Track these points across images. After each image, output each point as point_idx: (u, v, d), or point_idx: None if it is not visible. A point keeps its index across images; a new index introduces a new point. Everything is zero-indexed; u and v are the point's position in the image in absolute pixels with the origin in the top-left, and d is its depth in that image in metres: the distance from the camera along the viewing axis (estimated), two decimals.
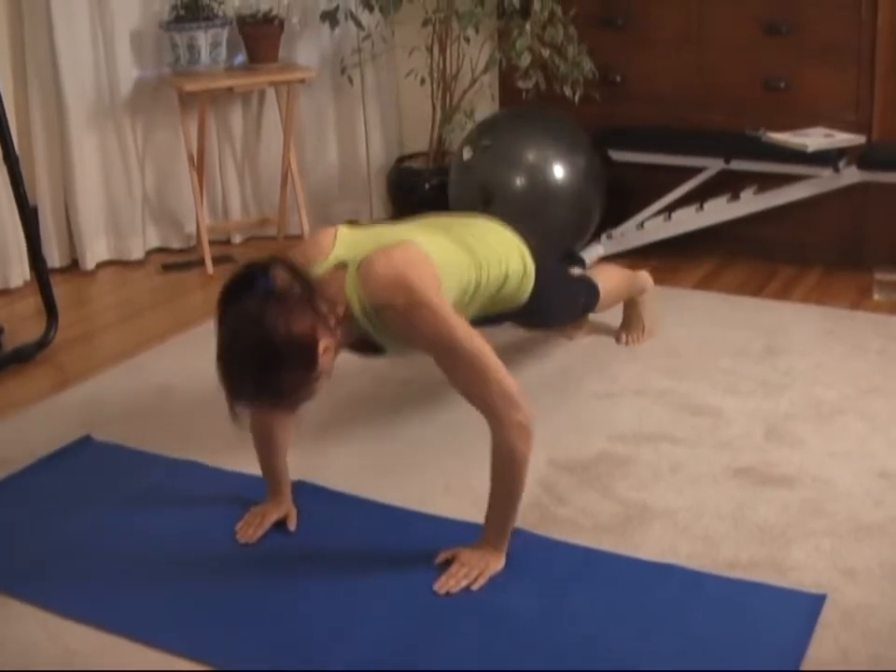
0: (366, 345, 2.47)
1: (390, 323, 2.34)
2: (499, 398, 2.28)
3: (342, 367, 2.38)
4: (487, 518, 2.39)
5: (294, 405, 2.22)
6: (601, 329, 3.56)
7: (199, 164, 4.44)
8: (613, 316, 3.52)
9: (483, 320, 2.67)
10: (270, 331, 2.10)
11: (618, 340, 3.51)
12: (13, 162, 3.57)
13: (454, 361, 2.32)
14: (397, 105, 4.88)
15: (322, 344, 2.18)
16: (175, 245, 4.64)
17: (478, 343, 2.32)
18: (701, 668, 2.06)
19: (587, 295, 3.21)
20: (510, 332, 3.27)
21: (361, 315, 2.32)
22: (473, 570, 2.34)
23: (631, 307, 3.50)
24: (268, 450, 2.59)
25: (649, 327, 3.52)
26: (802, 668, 2.06)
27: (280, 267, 2.19)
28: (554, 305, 3.01)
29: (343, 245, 2.41)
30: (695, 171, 4.14)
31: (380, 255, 2.34)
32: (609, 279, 3.35)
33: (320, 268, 2.35)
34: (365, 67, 4.68)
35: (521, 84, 4.20)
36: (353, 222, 3.19)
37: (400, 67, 4.69)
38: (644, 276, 3.51)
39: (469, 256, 2.61)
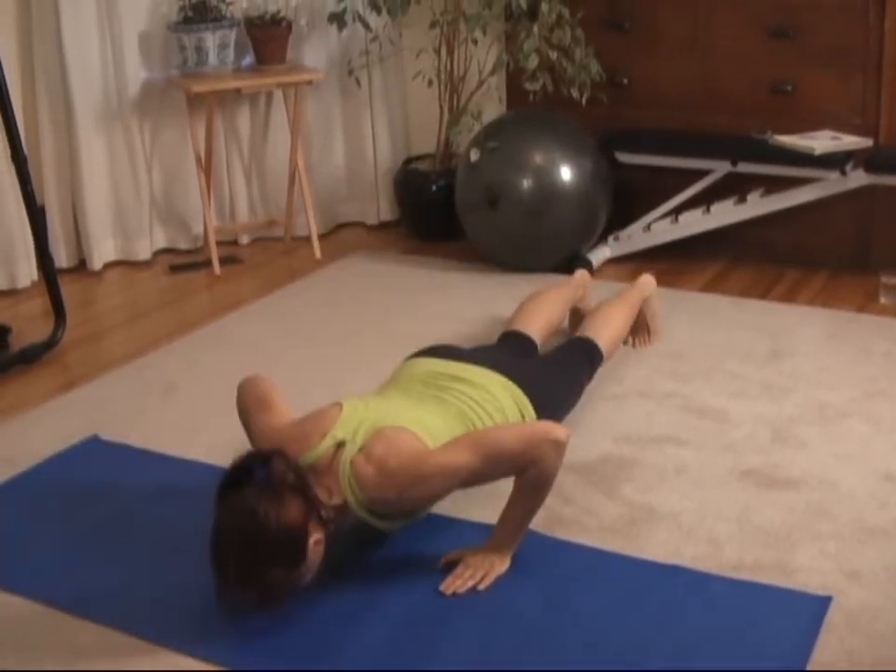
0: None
1: (391, 509, 2.34)
2: (530, 452, 2.28)
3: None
4: (502, 521, 2.40)
5: (280, 597, 2.21)
6: None
7: (206, 165, 4.45)
8: None
9: None
10: (260, 525, 2.12)
11: (624, 343, 3.50)
12: (21, 162, 3.57)
13: (477, 480, 2.34)
14: (404, 107, 4.89)
15: (312, 539, 2.19)
16: (183, 245, 4.65)
17: (476, 442, 2.31)
18: (706, 670, 2.07)
19: (590, 370, 3.08)
20: None
21: (358, 508, 2.31)
22: (479, 571, 2.35)
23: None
24: None
25: (654, 329, 3.53)
26: (807, 670, 2.07)
27: (279, 460, 2.22)
28: (560, 414, 2.87)
29: (344, 424, 2.38)
30: (702, 173, 4.14)
31: (361, 458, 2.30)
32: (612, 325, 3.22)
33: (320, 447, 2.34)
34: (372, 69, 4.69)
35: (528, 86, 4.20)
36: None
37: (408, 69, 4.70)
38: (646, 280, 3.51)
39: (465, 426, 2.53)
